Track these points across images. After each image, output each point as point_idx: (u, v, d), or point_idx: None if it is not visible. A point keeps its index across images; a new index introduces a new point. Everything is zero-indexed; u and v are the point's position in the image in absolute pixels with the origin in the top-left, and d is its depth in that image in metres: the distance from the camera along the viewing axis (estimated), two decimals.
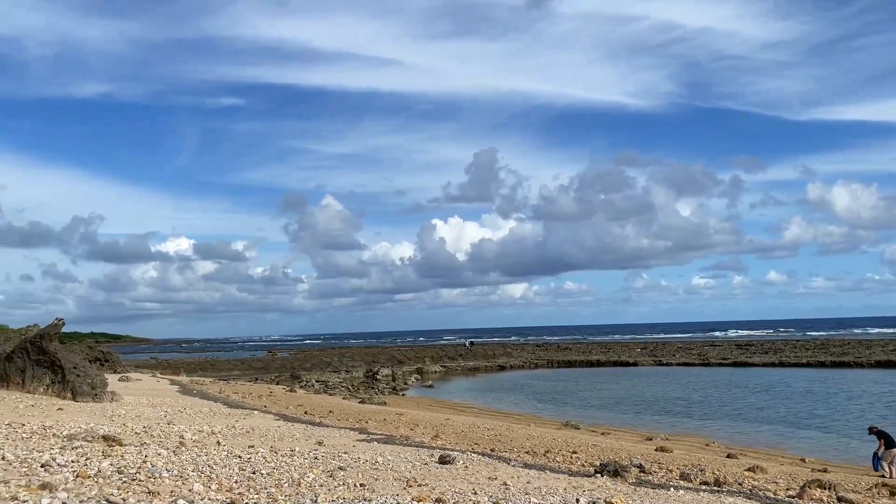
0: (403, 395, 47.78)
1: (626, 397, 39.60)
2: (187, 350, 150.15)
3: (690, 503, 9.90)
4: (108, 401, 22.92)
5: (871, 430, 18.65)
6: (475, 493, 9.32)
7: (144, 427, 15.45)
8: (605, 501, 8.96)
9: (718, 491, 11.42)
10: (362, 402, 36.81)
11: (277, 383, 50.75)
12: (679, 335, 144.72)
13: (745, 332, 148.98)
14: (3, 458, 9.05)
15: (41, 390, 22.67)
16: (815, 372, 56.00)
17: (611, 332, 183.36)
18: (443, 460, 12.49)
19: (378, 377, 59.38)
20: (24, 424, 14.03)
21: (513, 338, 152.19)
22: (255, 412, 23.20)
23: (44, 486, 7.39)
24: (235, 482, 9.17)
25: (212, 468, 9.98)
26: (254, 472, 9.94)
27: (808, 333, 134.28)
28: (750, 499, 10.61)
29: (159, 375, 49.40)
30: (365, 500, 8.36)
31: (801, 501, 11.04)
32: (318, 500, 8.16)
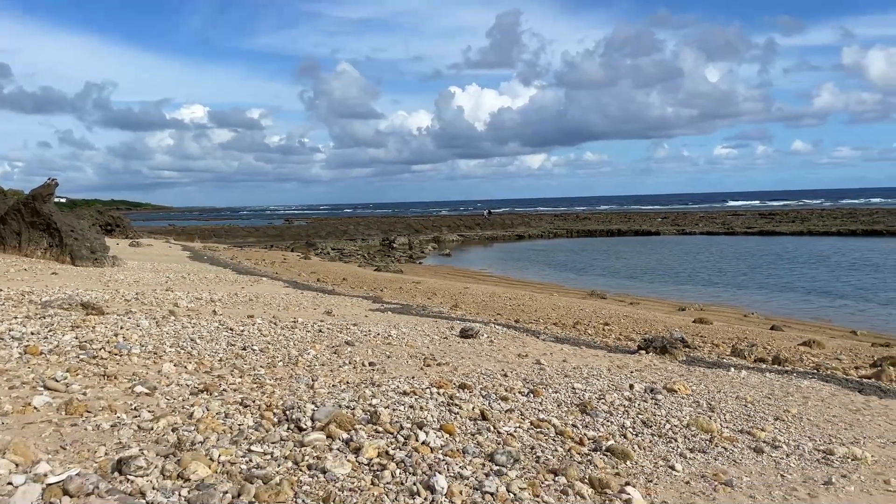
0: (420, 263, 46.76)
1: (651, 266, 38.14)
2: (205, 218, 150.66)
3: (760, 386, 8.34)
4: (110, 265, 21.79)
5: None
6: (506, 377, 7.78)
7: (137, 294, 14.08)
8: (665, 388, 7.37)
9: (786, 371, 9.87)
10: (378, 269, 35.73)
11: (292, 250, 49.89)
12: (700, 205, 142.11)
13: (769, 203, 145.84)
14: None
15: (38, 254, 21.59)
16: (846, 241, 54.03)
17: (629, 203, 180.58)
18: (465, 334, 10.99)
19: (394, 245, 58.39)
20: (1, 290, 12.68)
21: (531, 209, 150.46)
22: (265, 279, 21.93)
23: None
24: (219, 361, 7.68)
25: (195, 343, 8.50)
26: (244, 349, 8.45)
27: (836, 202, 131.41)
28: (826, 381, 9.05)
29: (172, 241, 48.61)
30: (373, 384, 6.82)
31: (880, 383, 9.48)
32: (316, 386, 6.62)
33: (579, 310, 19.34)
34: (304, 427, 4.93)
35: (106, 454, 4.18)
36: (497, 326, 12.82)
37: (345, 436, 4.62)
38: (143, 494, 3.52)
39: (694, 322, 17.73)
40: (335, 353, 8.73)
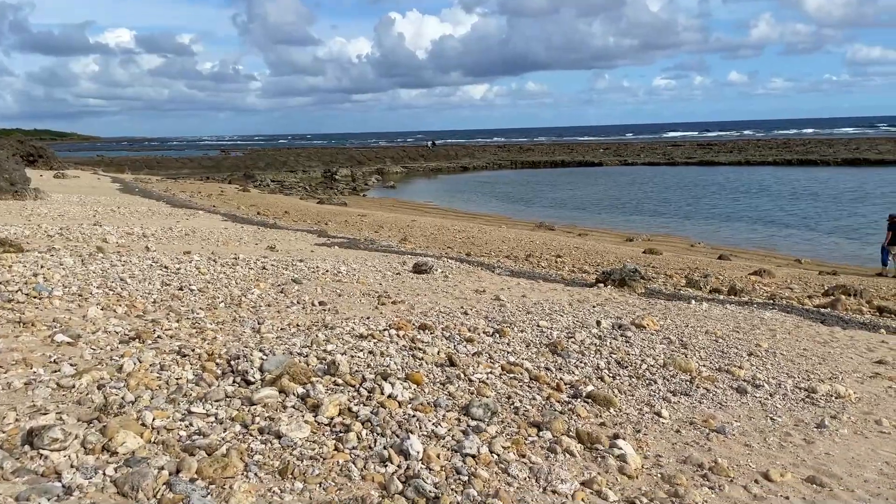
0: (364, 195, 45.72)
1: (597, 198, 38.13)
2: (136, 149, 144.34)
3: (724, 318, 8.14)
4: (32, 199, 20.36)
5: (891, 219, 16.74)
6: (466, 315, 7.32)
7: (62, 229, 13.03)
8: (633, 324, 7.04)
9: (745, 303, 9.74)
10: (321, 202, 34.70)
11: (229, 182, 48.07)
12: (640, 136, 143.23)
13: (706, 133, 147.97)
14: None
15: None
16: (782, 170, 55.21)
17: (571, 134, 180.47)
18: (418, 269, 10.48)
19: (337, 177, 56.91)
20: None
21: (474, 140, 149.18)
22: (201, 212, 20.85)
23: None
24: (153, 303, 6.97)
25: (125, 283, 7.73)
26: (181, 289, 7.74)
27: (770, 132, 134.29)
28: (787, 312, 8.93)
29: (101, 173, 46.20)
30: (325, 326, 6.26)
31: (838, 312, 9.44)
32: (262, 330, 6.03)
33: (529, 242, 19.04)
34: (253, 380, 4.36)
35: (16, 421, 3.53)
36: (450, 261, 12.35)
37: (300, 390, 4.07)
38: (58, 475, 2.91)
39: (644, 253, 17.65)
40: (282, 291, 8.10)
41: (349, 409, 3.85)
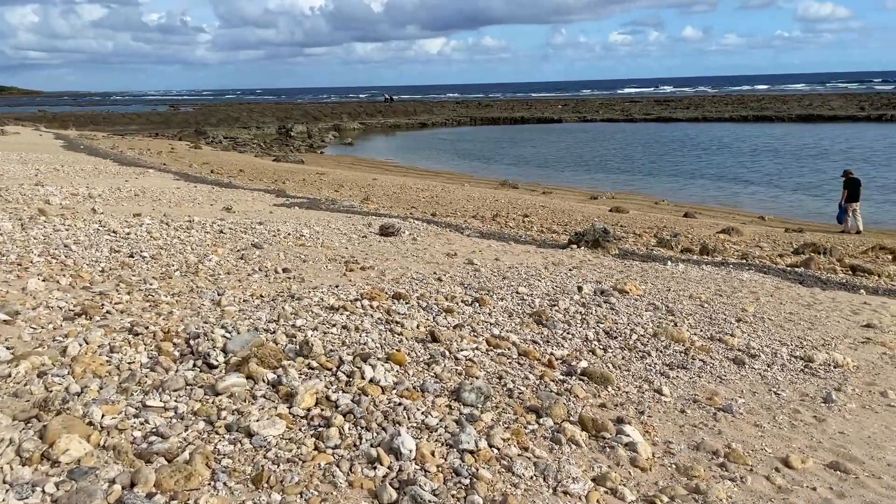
0: (322, 153, 44.57)
1: (559, 155, 37.77)
2: (81, 104, 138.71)
3: (703, 280, 7.92)
4: None
5: (846, 175, 16.70)
6: (440, 281, 6.93)
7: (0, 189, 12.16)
8: (615, 289, 6.74)
9: (720, 263, 9.54)
10: (277, 160, 33.65)
11: (180, 139, 46.34)
12: (596, 92, 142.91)
13: (662, 89, 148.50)
14: None
15: None
16: (739, 127, 55.59)
17: (528, 90, 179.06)
18: (385, 231, 10.02)
19: (292, 134, 55.42)
20: None
21: (431, 96, 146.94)
22: (151, 171, 19.89)
23: None
24: (101, 272, 6.40)
25: (69, 250, 7.12)
26: (131, 255, 7.16)
27: (723, 88, 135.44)
28: (764, 273, 8.76)
29: (43, 129, 44.09)
30: (292, 297, 5.81)
31: (813, 272, 9.33)
32: (223, 302, 5.54)
33: (494, 201, 18.66)
34: (216, 363, 3.90)
35: None
36: (417, 222, 11.90)
37: (270, 376, 3.64)
38: None
39: (611, 211, 17.43)
40: (242, 258, 7.58)
41: (327, 398, 3.43)
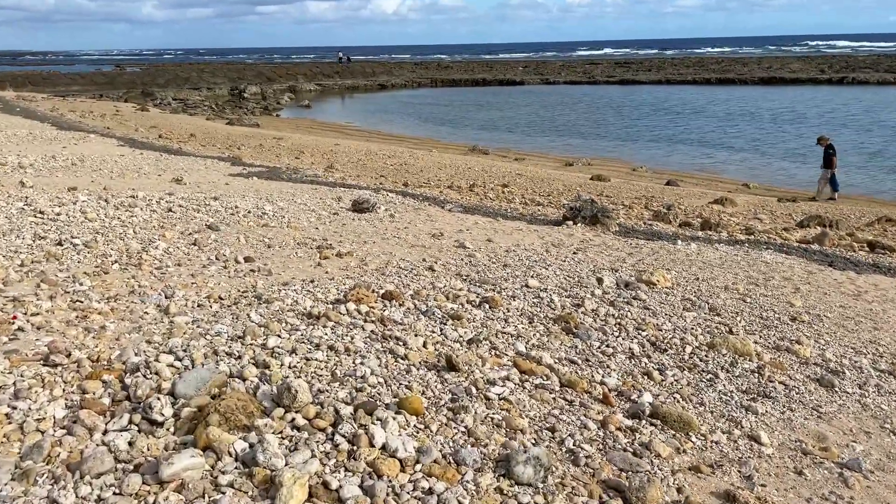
0: (278, 116, 42.52)
1: (528, 119, 36.51)
2: (20, 63, 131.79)
3: (727, 265, 7.00)
4: None
5: (822, 142, 16.06)
6: (432, 271, 5.86)
7: None
8: (643, 282, 5.75)
9: (734, 242, 8.64)
10: (230, 123, 31.79)
11: (126, 101, 43.75)
12: (555, 53, 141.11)
13: (623, 51, 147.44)
14: None
15: None
16: (704, 89, 54.95)
17: (485, 52, 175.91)
18: (358, 207, 8.86)
19: (245, 95, 52.94)
20: None
21: (389, 56, 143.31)
22: (93, 136, 18.21)
23: None
24: (19, 267, 5.17)
25: None
26: (60, 243, 5.91)
27: (682, 50, 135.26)
28: (786, 254, 7.88)
29: None
30: (258, 299, 4.69)
31: (828, 248, 8.52)
32: (172, 309, 4.39)
33: (467, 168, 17.54)
34: (160, 419, 2.78)
35: None
36: (391, 195, 10.74)
37: (239, 446, 2.54)
38: None
39: (592, 179, 16.46)
40: (194, 243, 6.37)
41: (325, 486, 2.35)
